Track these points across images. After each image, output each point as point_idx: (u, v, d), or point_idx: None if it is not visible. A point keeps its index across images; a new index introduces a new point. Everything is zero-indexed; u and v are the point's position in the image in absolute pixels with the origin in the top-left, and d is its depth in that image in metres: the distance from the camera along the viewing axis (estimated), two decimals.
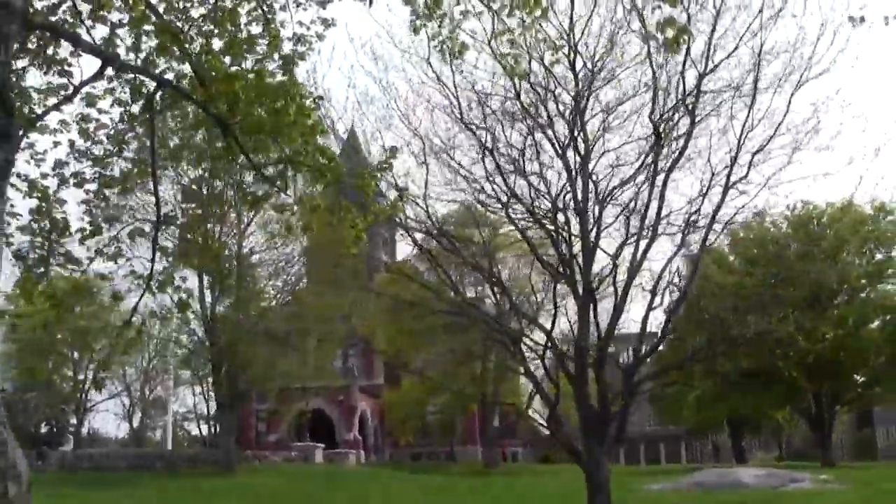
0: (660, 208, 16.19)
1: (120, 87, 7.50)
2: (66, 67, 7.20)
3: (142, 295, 7.78)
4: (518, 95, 16.65)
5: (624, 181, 17.16)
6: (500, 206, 17.12)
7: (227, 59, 7.52)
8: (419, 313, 30.45)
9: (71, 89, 6.98)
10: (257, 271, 43.83)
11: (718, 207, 16.67)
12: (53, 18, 7.32)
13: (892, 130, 44.41)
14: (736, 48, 15.73)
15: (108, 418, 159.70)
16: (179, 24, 7.41)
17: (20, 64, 7.37)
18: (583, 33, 16.37)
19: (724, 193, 16.65)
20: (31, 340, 54.71)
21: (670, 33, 7.85)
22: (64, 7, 7.46)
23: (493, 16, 11.17)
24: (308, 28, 8.69)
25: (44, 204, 7.70)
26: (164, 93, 7.22)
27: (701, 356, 20.85)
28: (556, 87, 16.86)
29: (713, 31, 15.92)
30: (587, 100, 17.03)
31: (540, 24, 14.47)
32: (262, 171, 7.53)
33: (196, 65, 7.44)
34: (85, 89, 7.32)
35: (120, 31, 7.34)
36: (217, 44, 8.02)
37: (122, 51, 7.43)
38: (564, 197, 16.52)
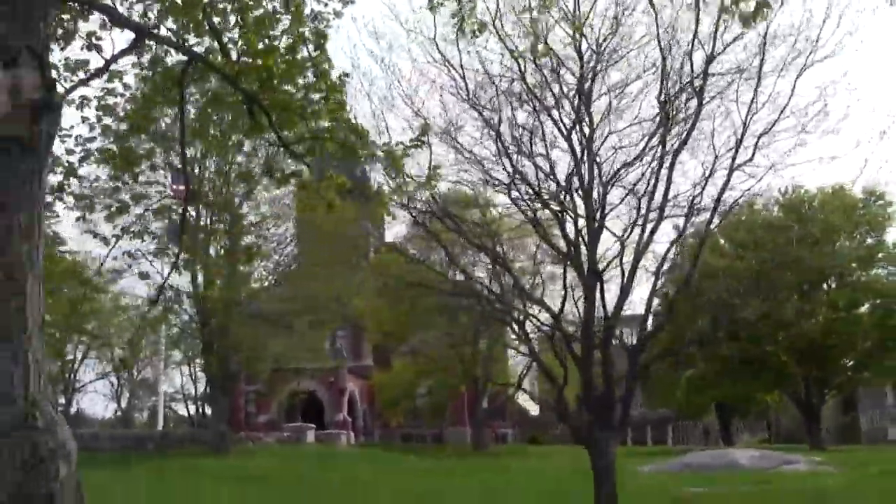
0: (667, 190, 16.13)
1: (146, 62, 7.37)
2: (93, 41, 7.06)
3: (169, 273, 7.69)
4: (523, 76, 16.54)
5: (628, 162, 17.09)
6: (504, 187, 17.02)
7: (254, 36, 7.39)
8: (417, 294, 30.33)
9: (102, 63, 6.84)
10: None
11: (723, 190, 16.62)
12: None
13: None
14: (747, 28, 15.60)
15: (96, 399, 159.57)
16: None
17: None
18: (588, 15, 16.29)
19: (730, 176, 16.59)
20: None
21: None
22: None
23: None
24: (326, 4, 8.59)
25: (67, 181, 7.59)
26: (193, 67, 7.09)
27: (706, 339, 20.84)
28: (560, 68, 16.77)
29: (721, 10, 15.84)
30: (592, 81, 16.95)
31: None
32: (291, 148, 7.43)
33: (220, 40, 7.31)
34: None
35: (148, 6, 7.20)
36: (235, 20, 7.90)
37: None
38: (570, 178, 16.43)
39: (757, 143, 16.47)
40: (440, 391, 57.07)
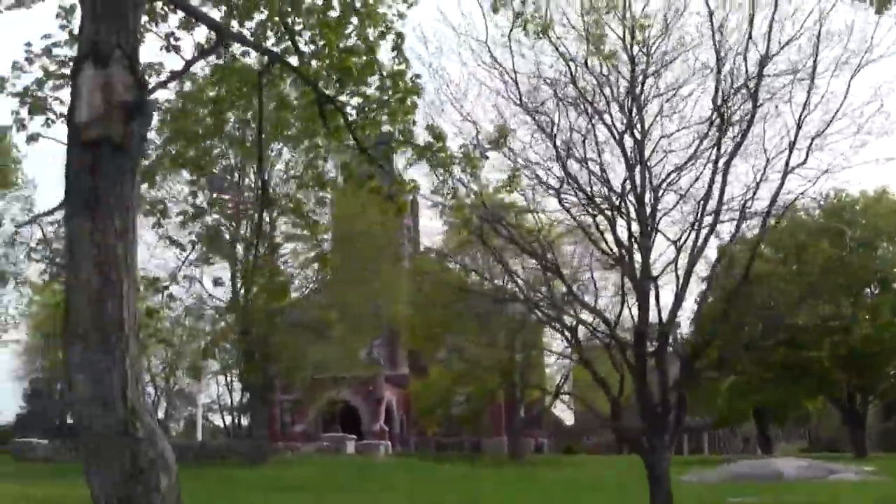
0: (721, 193, 15.91)
1: (226, 62, 7.31)
2: (171, 42, 7.02)
3: (243, 279, 7.60)
4: (574, 80, 16.40)
5: (680, 166, 16.88)
6: (555, 192, 16.85)
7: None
8: (456, 298, 30.09)
9: (182, 63, 6.78)
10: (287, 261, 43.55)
11: (777, 193, 16.35)
12: None
13: None
14: (801, 29, 15.41)
15: None
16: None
17: None
18: (643, 16, 16.15)
19: (783, 179, 16.32)
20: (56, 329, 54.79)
21: None
22: None
23: None
24: (390, 6, 8.50)
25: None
26: (271, 69, 7.02)
27: (754, 344, 20.52)
28: (611, 73, 16.62)
29: (775, 8, 15.61)
30: (643, 84, 16.78)
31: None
32: (368, 151, 7.33)
33: (295, 41, 7.22)
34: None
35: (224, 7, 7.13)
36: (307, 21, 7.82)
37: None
38: (624, 183, 16.26)
39: (810, 145, 16.21)
40: (478, 399, 56.52)
